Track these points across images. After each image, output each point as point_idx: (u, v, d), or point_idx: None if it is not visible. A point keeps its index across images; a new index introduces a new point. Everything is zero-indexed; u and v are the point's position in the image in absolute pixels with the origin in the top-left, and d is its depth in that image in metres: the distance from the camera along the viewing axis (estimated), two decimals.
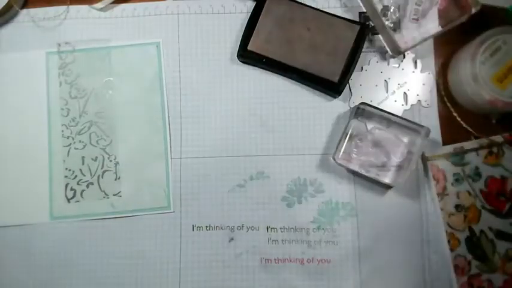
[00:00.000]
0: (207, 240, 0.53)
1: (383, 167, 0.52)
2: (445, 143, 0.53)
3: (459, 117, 0.52)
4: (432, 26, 0.51)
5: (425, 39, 0.51)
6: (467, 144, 0.51)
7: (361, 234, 0.52)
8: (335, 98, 0.54)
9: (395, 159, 0.51)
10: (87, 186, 0.54)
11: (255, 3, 0.54)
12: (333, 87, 0.52)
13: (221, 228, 0.53)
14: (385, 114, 0.51)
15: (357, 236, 0.52)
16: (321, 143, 0.54)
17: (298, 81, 0.54)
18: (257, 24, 0.53)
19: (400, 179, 0.50)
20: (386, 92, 0.54)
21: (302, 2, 0.54)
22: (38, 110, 0.55)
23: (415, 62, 0.54)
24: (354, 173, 0.53)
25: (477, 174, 0.51)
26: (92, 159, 0.54)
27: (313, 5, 0.54)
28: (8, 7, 0.55)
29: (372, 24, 0.54)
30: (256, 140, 0.54)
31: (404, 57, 0.54)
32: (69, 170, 0.54)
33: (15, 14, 0.56)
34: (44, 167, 0.54)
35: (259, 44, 0.53)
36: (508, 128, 0.52)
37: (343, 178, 0.53)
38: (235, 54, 0.54)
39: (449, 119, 0.53)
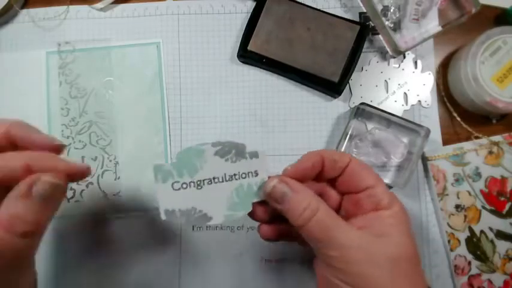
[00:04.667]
0: (207, 241, 0.53)
1: (383, 167, 0.52)
2: (445, 143, 0.53)
3: (459, 117, 0.52)
4: (432, 26, 0.51)
5: (425, 39, 0.51)
6: (467, 144, 0.51)
7: None
8: (335, 98, 0.54)
9: (395, 160, 0.51)
10: (87, 186, 0.54)
11: (255, 3, 0.54)
12: (333, 87, 0.52)
13: (221, 228, 0.53)
14: (385, 114, 0.51)
15: None
16: (321, 143, 0.54)
17: (298, 81, 0.54)
18: (257, 24, 0.53)
19: (400, 179, 0.50)
20: (387, 92, 0.54)
21: (302, 2, 0.54)
22: (38, 109, 0.55)
23: (415, 62, 0.54)
24: None
25: (477, 174, 0.51)
26: (92, 159, 0.54)
27: (313, 5, 0.54)
28: (8, 7, 0.54)
29: (372, 25, 0.54)
30: (256, 140, 0.54)
31: (404, 57, 0.54)
32: None
33: (15, 14, 0.56)
34: None
35: (259, 44, 0.53)
36: (508, 128, 0.52)
37: None
38: (235, 54, 0.54)
39: (449, 119, 0.53)
